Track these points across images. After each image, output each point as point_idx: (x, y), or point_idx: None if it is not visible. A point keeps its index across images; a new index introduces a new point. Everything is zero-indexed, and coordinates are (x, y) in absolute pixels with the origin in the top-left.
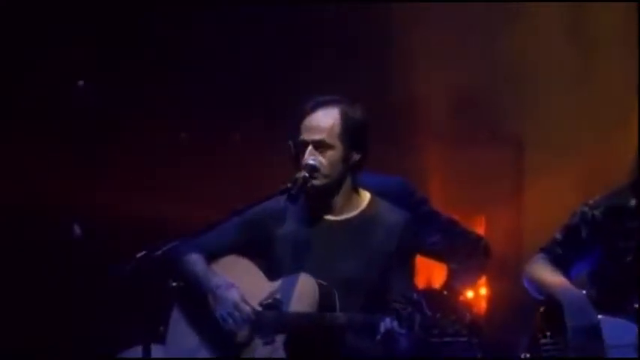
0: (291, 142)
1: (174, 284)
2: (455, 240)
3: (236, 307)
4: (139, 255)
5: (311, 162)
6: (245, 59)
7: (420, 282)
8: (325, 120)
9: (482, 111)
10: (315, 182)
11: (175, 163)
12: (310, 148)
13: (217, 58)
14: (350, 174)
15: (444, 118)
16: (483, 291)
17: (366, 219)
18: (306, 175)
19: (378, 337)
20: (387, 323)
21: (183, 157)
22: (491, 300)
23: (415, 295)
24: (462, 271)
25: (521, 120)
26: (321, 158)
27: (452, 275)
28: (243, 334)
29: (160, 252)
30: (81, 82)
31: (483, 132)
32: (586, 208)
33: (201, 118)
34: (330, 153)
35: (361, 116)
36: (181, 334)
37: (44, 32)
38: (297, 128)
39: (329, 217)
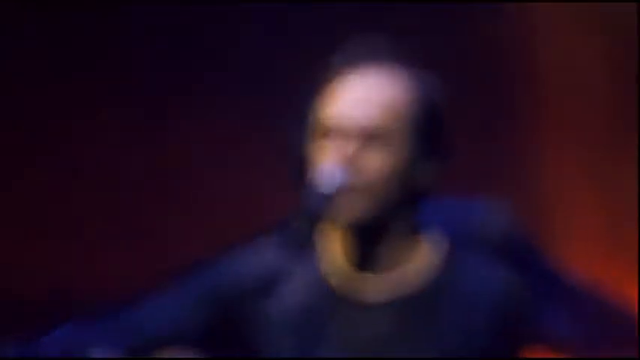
0: (295, 136)
1: None
2: (597, 324)
3: None
4: None
5: (349, 154)
6: None
7: None
8: (381, 92)
9: None
10: (352, 211)
11: (79, 174)
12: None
13: None
14: (412, 201)
15: (592, 100)
16: None
17: (435, 284)
18: (320, 206)
19: None
20: None
21: (99, 163)
22: None
23: None
24: None
25: None
26: (369, 162)
27: None
28: None
29: (43, 344)
30: None
31: None
32: None
33: (127, 93)
34: (385, 154)
35: (443, 98)
36: None
37: None
38: (312, 106)
39: None
